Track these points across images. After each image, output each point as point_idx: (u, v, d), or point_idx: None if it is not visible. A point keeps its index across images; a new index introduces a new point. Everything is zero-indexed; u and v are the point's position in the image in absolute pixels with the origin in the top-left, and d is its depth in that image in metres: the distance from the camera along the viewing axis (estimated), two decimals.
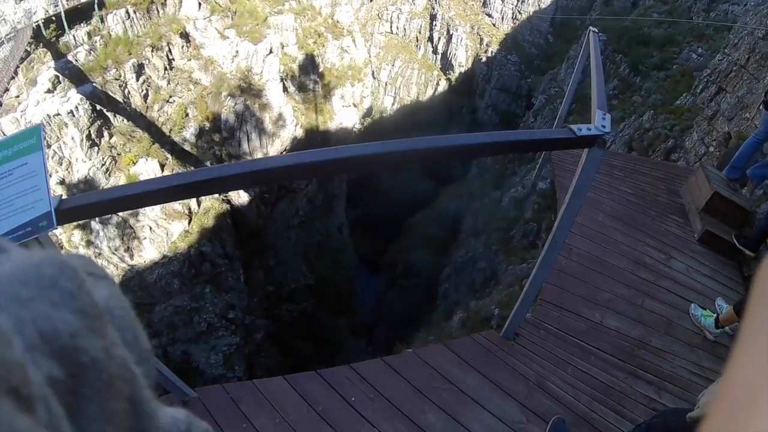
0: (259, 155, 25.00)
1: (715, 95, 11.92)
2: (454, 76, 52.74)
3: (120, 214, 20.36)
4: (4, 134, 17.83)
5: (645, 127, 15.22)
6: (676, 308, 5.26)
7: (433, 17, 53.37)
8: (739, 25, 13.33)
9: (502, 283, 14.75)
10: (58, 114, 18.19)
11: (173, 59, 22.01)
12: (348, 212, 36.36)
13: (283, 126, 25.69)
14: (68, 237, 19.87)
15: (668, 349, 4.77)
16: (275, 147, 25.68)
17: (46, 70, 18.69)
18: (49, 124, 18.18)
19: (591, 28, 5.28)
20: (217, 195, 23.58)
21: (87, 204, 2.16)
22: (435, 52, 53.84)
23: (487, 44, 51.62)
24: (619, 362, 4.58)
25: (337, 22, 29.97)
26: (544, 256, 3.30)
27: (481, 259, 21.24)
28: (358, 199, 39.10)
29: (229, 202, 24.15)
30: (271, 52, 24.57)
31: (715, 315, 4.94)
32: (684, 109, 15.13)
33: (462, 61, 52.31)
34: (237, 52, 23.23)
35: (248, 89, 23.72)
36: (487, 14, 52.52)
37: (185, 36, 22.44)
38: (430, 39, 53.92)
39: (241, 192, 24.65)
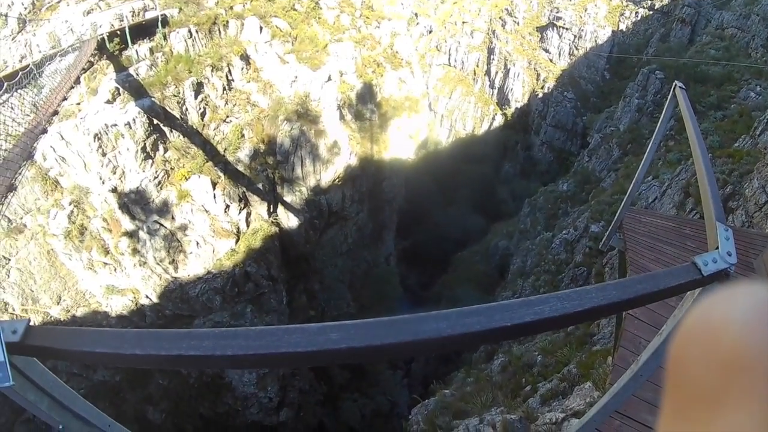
0: (312, 181, 25.37)
1: None
2: (510, 111, 53.08)
3: (168, 226, 20.95)
4: (64, 139, 18.65)
5: None
6: None
7: (491, 51, 54.13)
8: None
9: None
10: (116, 125, 18.86)
11: (232, 80, 22.62)
12: (397, 243, 36.23)
13: (337, 153, 25.91)
14: (115, 243, 20.47)
15: None
16: (329, 174, 25.91)
17: (108, 81, 19.49)
18: (107, 134, 18.83)
19: (677, 83, 4.55)
20: (266, 216, 24.07)
21: (58, 349, 1.48)
22: (492, 86, 54.40)
23: (543, 80, 51.92)
24: None
25: (396, 52, 30.24)
26: (621, 389, 2.69)
27: None
28: (407, 230, 39.01)
29: (278, 225, 24.46)
30: (329, 79, 24.95)
31: None
32: (743, 152, 14.73)
33: (518, 96, 52.66)
34: (296, 77, 23.71)
35: (305, 114, 24.05)
36: (544, 49, 52.94)
37: (245, 58, 23.07)
38: (488, 73, 54.59)
39: (291, 215, 24.96)
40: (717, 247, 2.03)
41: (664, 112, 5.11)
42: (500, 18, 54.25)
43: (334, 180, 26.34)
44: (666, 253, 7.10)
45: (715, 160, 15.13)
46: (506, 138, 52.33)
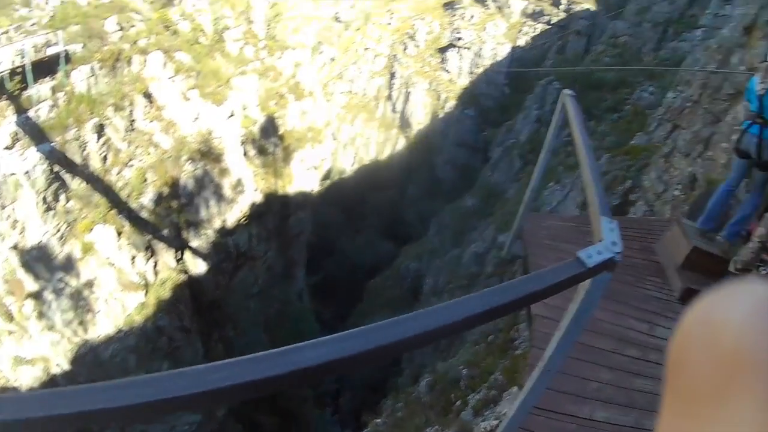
0: (217, 222, 24.58)
1: (671, 132, 12.09)
2: (412, 133, 53.76)
3: (74, 284, 19.44)
4: None
5: (602, 170, 15.13)
6: None
7: (392, 75, 54.71)
8: (683, 69, 13.67)
9: (467, 341, 14.51)
10: (14, 173, 17.51)
11: (135, 120, 21.49)
12: (308, 278, 35.83)
13: (242, 191, 25.28)
14: (20, 307, 18.81)
15: None
16: (234, 213, 25.18)
17: (7, 124, 17.99)
18: (5, 184, 17.48)
19: (566, 91, 4.56)
20: (174, 264, 22.86)
21: None
22: (394, 110, 54.90)
23: (444, 100, 52.96)
24: None
25: (299, 83, 29.95)
26: (534, 385, 2.87)
27: None
28: (318, 263, 38.63)
29: (186, 272, 23.35)
30: (232, 114, 24.44)
31: None
32: (639, 148, 15.41)
33: (420, 118, 53.47)
34: (198, 114, 22.92)
35: (208, 153, 23.34)
36: (445, 70, 53.86)
37: (148, 96, 22.00)
38: (389, 97, 55.09)
39: (199, 260, 24.07)
40: (602, 239, 2.20)
41: (553, 119, 5.26)
42: (402, 42, 55.18)
43: (240, 219, 25.66)
44: (567, 252, 7.14)
45: (614, 158, 15.96)
46: (410, 161, 52.84)
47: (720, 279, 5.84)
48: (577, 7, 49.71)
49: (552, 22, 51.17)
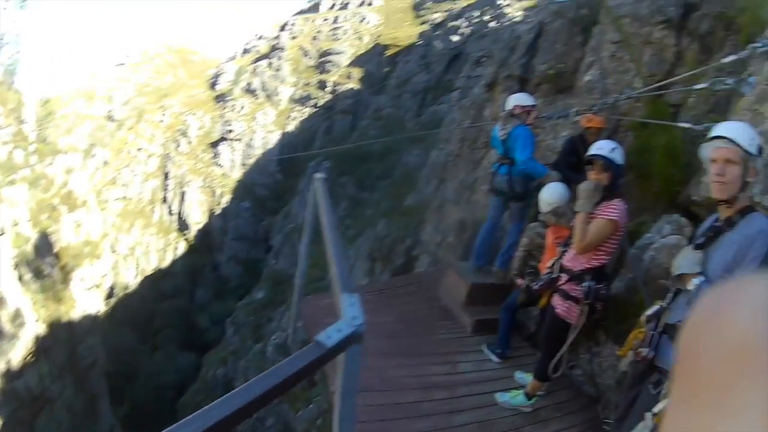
0: (2, 364, 21.39)
1: (439, 186, 13.22)
2: (191, 234, 52.45)
3: None
4: None
5: (381, 235, 16.31)
6: (485, 407, 5.26)
7: (166, 176, 53.33)
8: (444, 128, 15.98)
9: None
10: None
11: None
12: (115, 411, 32.38)
13: (22, 324, 22.35)
14: None
15: None
16: (17, 351, 22.04)
17: None
18: None
19: (316, 175, 4.88)
20: None
21: None
22: (171, 212, 53.24)
23: (220, 195, 52.61)
24: None
25: (71, 191, 27.56)
26: None
27: (267, 416, 20.41)
28: (121, 392, 35.24)
29: None
30: (2, 233, 21.67)
31: (521, 390, 5.20)
32: (414, 207, 16.52)
33: (197, 217, 52.42)
34: None
35: None
36: (218, 164, 53.80)
37: None
38: (165, 199, 53.45)
39: None
40: (343, 317, 2.34)
41: (308, 202, 5.57)
42: (175, 140, 54.12)
43: (26, 357, 22.45)
44: None
45: (392, 222, 17.15)
46: (193, 264, 51.02)
47: (504, 299, 6.56)
48: (343, 88, 52.15)
49: (319, 105, 53.19)
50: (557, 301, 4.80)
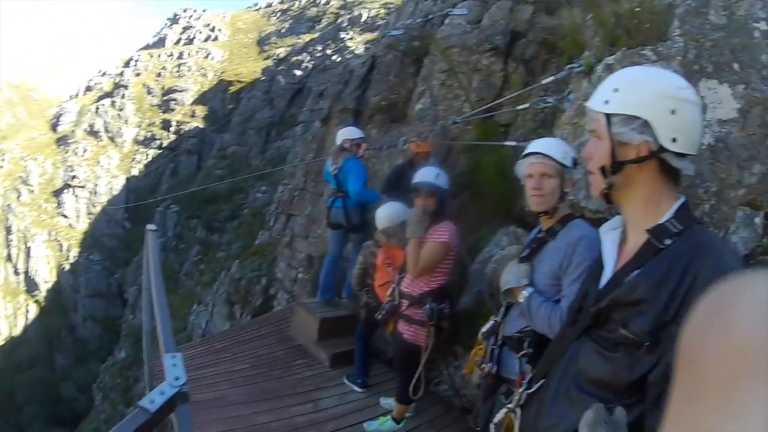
0: None
1: (287, 222, 13.39)
2: (41, 295, 48.59)
3: None
4: None
5: (236, 277, 16.05)
6: None
7: (9, 230, 49.63)
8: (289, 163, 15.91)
9: None
10: None
11: None
12: None
13: None
14: None
15: None
16: None
17: None
18: None
19: (149, 226, 4.91)
20: None
21: None
22: (17, 272, 49.20)
23: (67, 249, 49.35)
24: None
25: None
26: None
27: None
28: None
29: None
30: None
31: (389, 415, 5.29)
32: (265, 245, 16.59)
33: (46, 275, 48.74)
34: None
35: None
36: (62, 215, 50.71)
37: None
38: (9, 258, 49.49)
39: None
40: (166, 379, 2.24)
41: (143, 254, 5.41)
42: (15, 189, 50.47)
43: None
44: None
45: (244, 263, 16.82)
46: (47, 328, 47.01)
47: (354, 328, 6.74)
48: (187, 127, 51.32)
49: (164, 146, 52.00)
50: (403, 327, 4.87)
